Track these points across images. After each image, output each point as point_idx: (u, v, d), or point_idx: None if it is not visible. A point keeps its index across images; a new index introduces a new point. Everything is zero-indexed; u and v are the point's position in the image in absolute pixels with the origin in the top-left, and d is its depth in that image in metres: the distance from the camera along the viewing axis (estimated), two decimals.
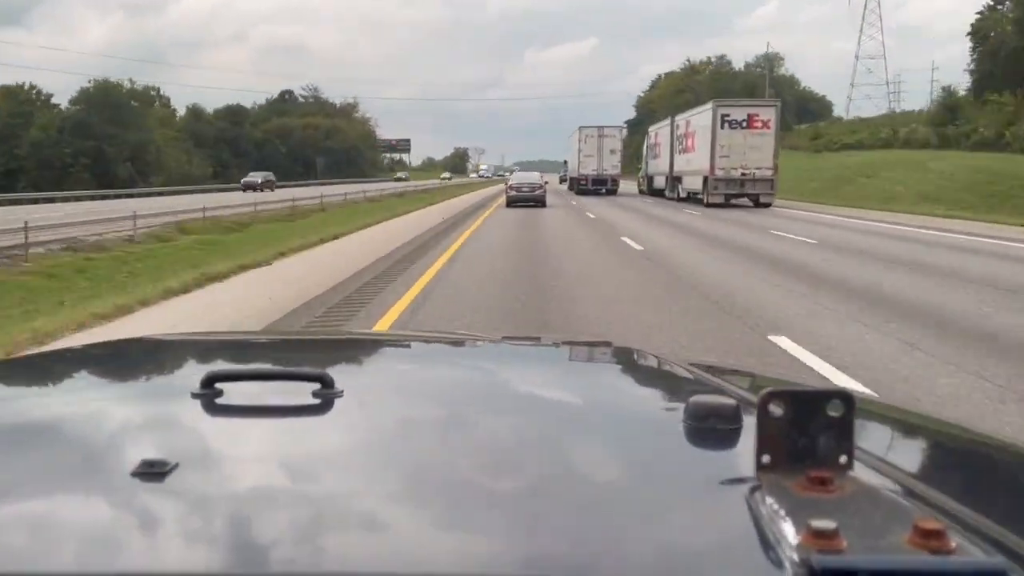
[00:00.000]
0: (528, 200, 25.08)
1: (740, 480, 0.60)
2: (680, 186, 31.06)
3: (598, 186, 37.79)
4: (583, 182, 37.88)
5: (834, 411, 0.57)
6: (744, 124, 25.96)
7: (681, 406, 0.75)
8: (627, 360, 1.25)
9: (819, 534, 0.48)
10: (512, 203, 24.70)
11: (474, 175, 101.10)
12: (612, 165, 38.44)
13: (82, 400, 0.96)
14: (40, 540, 0.57)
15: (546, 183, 27.13)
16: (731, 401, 0.75)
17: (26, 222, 10.83)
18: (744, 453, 0.63)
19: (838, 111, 76.20)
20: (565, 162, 55.91)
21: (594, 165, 38.89)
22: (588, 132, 39.44)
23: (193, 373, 0.85)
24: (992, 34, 37.11)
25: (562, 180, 65.39)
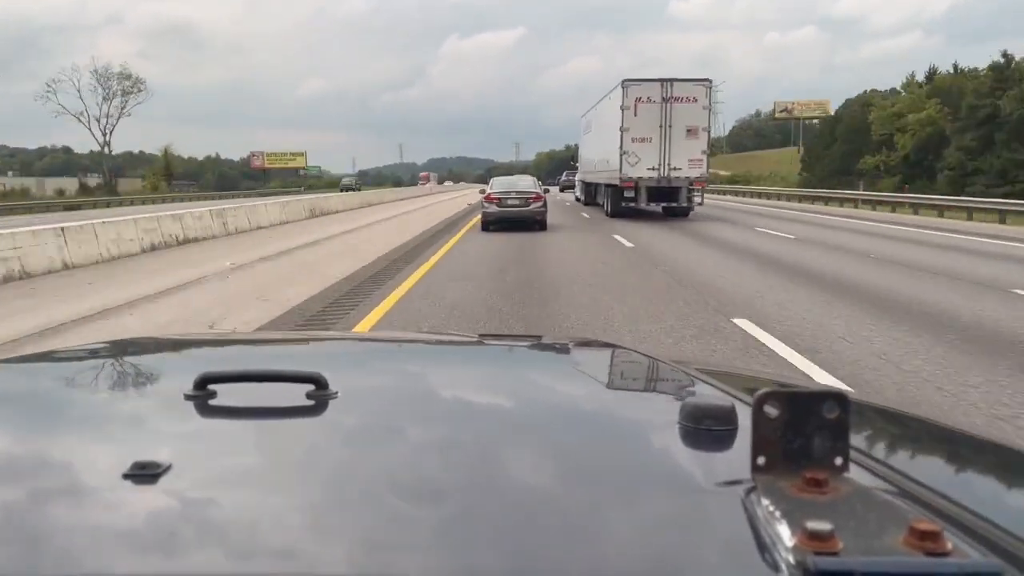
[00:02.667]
0: (517, 220, 15.20)
1: (735, 482, 0.61)
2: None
3: (662, 200, 19.88)
4: (630, 192, 19.62)
5: (829, 412, 0.58)
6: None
7: (676, 407, 0.76)
8: (622, 361, 1.26)
9: (815, 536, 0.50)
10: (492, 224, 15.28)
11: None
12: (693, 159, 19.97)
13: (74, 401, 0.96)
14: (31, 542, 0.58)
15: (547, 191, 17.30)
16: (726, 402, 0.75)
17: None
18: (739, 454, 0.64)
19: None
20: (572, 160, 39.74)
21: (654, 159, 19.98)
22: (643, 91, 20.23)
23: (186, 374, 0.85)
24: None
25: (563, 188, 51.45)
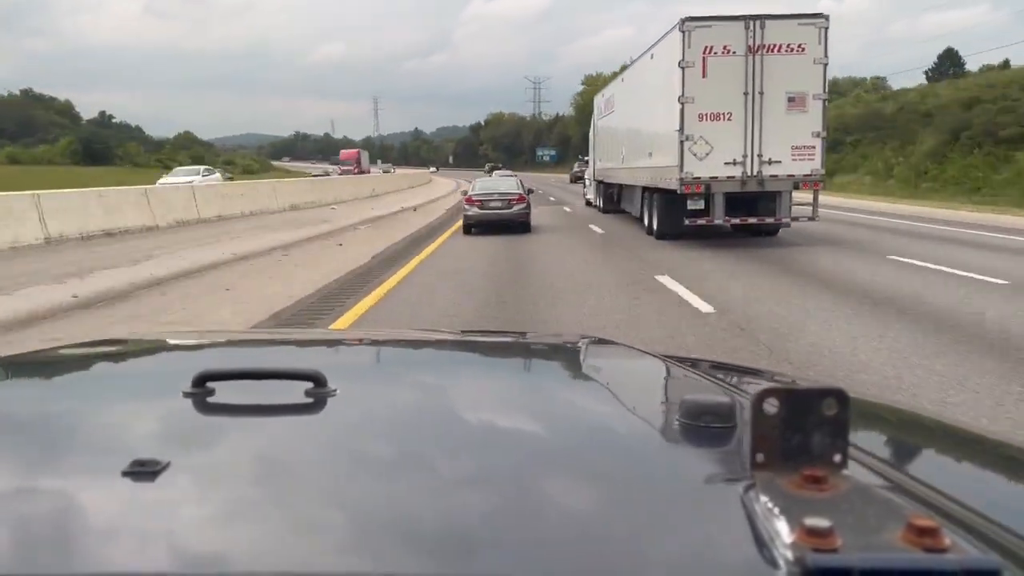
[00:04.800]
0: (499, 223, 16.13)
1: (734, 478, 0.66)
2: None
3: (747, 213, 13.78)
4: (697, 201, 13.52)
5: (828, 409, 0.62)
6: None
7: (675, 404, 0.82)
8: (621, 358, 1.34)
9: (813, 532, 0.53)
10: (473, 227, 16.44)
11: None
12: (800, 146, 13.21)
13: (74, 399, 1.05)
14: (31, 539, 0.63)
15: (530, 192, 18.21)
16: (725, 399, 0.81)
17: None
18: (738, 451, 0.68)
19: None
20: (580, 157, 36.74)
21: (737, 147, 13.22)
22: (717, 35, 13.16)
23: (185, 372, 0.92)
24: None
25: (573, 179, 48.80)
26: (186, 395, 0.90)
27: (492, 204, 16.52)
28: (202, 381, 0.90)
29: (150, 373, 1.27)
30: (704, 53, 12.81)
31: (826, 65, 12.90)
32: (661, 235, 14.46)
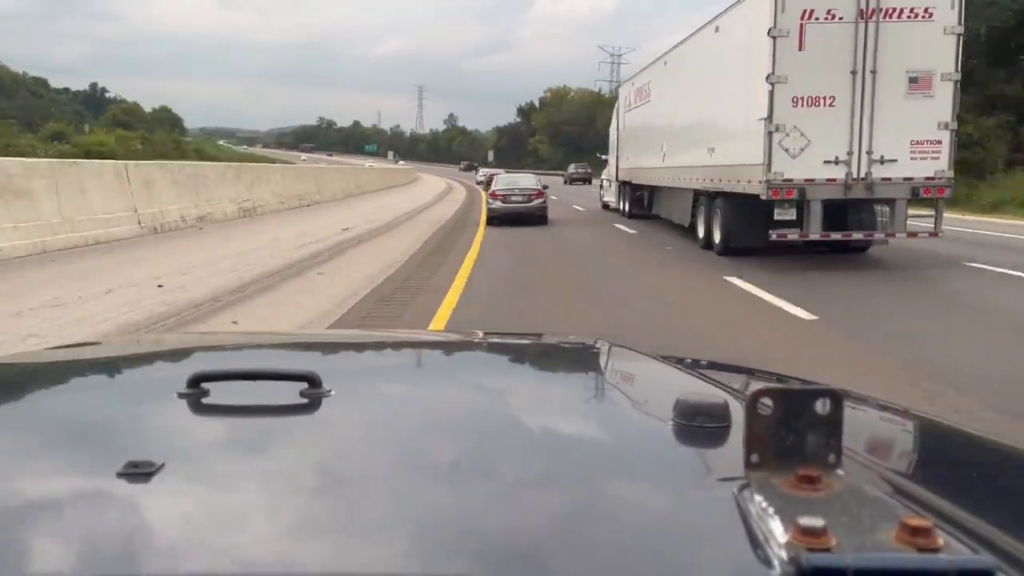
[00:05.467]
0: (520, 215, 19.09)
1: (729, 478, 0.69)
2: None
3: (852, 226, 10.83)
4: (787, 209, 10.56)
5: (822, 410, 0.66)
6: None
7: (670, 404, 0.86)
8: (617, 358, 1.37)
9: (807, 532, 0.56)
10: (496, 220, 19.26)
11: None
12: (922, 141, 10.04)
13: (67, 400, 1.10)
14: (24, 541, 0.66)
15: (546, 188, 20.81)
16: (720, 399, 0.86)
17: None
18: (733, 451, 0.72)
19: None
20: (599, 154, 31.20)
21: (842, 140, 10.19)
22: None
23: (179, 373, 0.97)
24: None
25: (570, 180, 53.01)
26: (181, 396, 0.96)
27: (514, 199, 19.44)
28: (197, 382, 0.96)
29: (145, 374, 1.31)
30: (802, 19, 10.65)
31: (960, 36, 10.33)
32: (728, 251, 11.71)
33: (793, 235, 11.03)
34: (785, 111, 10.51)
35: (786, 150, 10.53)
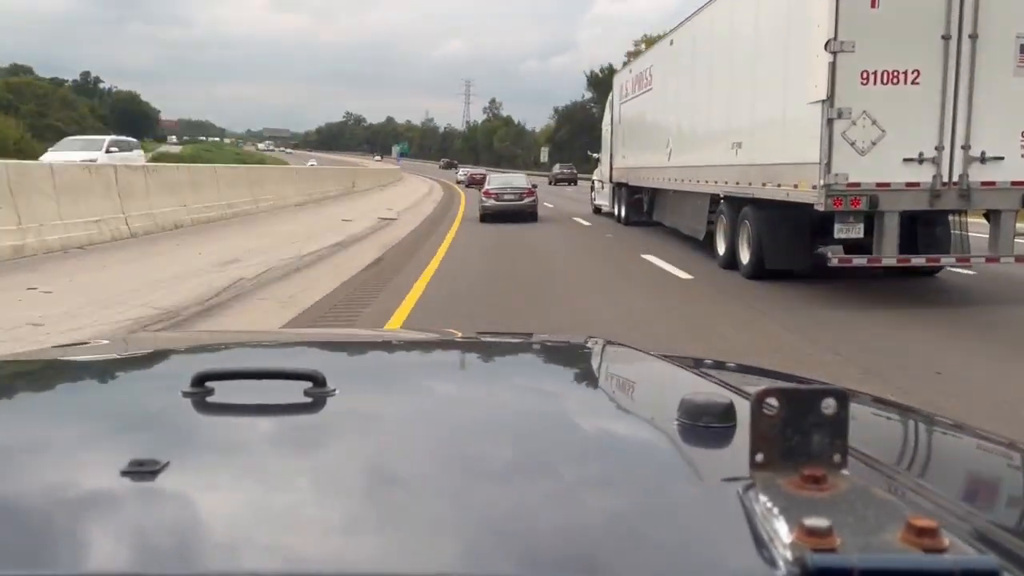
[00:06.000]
0: (512, 213, 20.62)
1: (734, 478, 0.69)
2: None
3: (929, 247, 8.14)
4: (850, 224, 7.59)
5: (827, 409, 0.65)
6: None
7: (675, 404, 0.86)
8: (621, 357, 1.37)
9: (813, 532, 0.56)
10: (489, 216, 20.85)
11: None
12: None
13: (72, 398, 1.11)
14: (29, 540, 0.67)
15: (535, 187, 22.65)
16: (725, 399, 0.86)
17: None
18: (738, 451, 0.72)
19: None
20: (590, 152, 27.55)
21: (930, 132, 7.30)
22: None
23: (184, 372, 0.98)
24: None
25: (556, 181, 50.60)
26: (185, 395, 0.96)
27: (506, 196, 20.77)
28: (201, 381, 0.97)
29: (149, 372, 1.32)
30: None
31: None
32: (760, 273, 8.94)
33: (860, 260, 8.07)
34: (851, 90, 7.58)
35: (852, 143, 7.60)
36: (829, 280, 9.06)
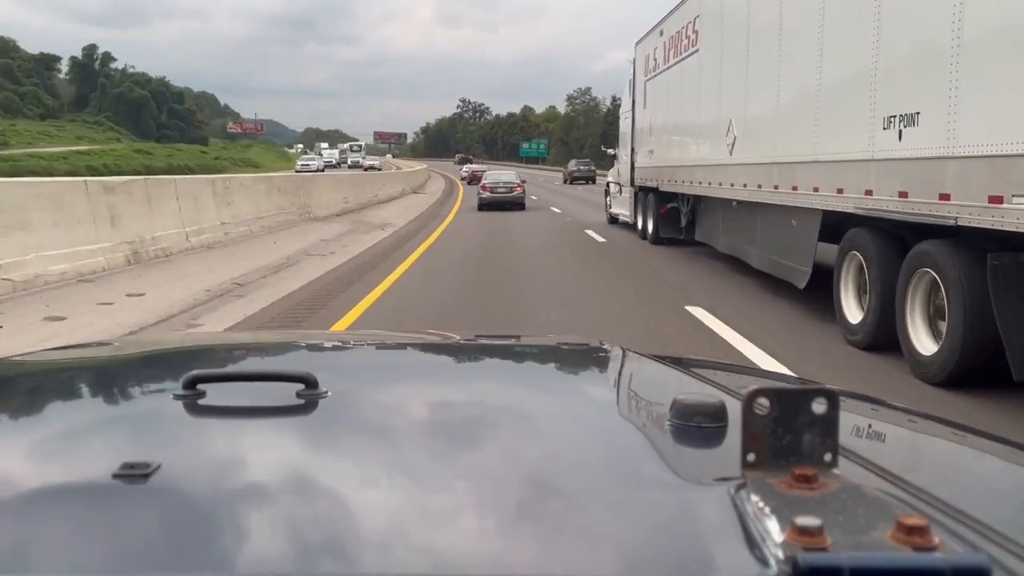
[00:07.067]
0: (503, 202, 26.19)
1: (725, 478, 0.70)
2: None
3: None
4: None
5: (818, 408, 0.65)
6: None
7: (666, 404, 0.86)
8: (613, 358, 1.35)
9: (804, 531, 0.56)
10: (485, 206, 26.42)
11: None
12: None
13: (64, 401, 1.09)
14: (19, 542, 0.66)
15: (524, 183, 29.13)
16: (716, 399, 0.86)
17: None
18: (729, 451, 0.73)
19: None
20: (604, 147, 22.70)
21: None
22: None
23: (176, 374, 0.98)
24: None
25: (572, 179, 47.10)
26: (177, 397, 0.96)
27: (499, 189, 26.41)
28: (193, 383, 0.95)
29: (141, 375, 1.29)
30: None
31: None
32: (962, 374, 4.96)
33: None
34: None
35: None
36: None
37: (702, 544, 0.63)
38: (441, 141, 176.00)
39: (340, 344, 1.69)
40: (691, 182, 11.60)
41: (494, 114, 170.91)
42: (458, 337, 1.77)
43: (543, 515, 0.67)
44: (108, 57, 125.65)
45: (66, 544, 0.62)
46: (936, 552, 0.52)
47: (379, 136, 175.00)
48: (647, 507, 0.69)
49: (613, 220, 19.32)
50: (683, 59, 11.96)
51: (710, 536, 0.63)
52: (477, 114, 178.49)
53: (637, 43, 15.87)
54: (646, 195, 14.97)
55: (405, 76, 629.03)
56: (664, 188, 13.32)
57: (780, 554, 0.53)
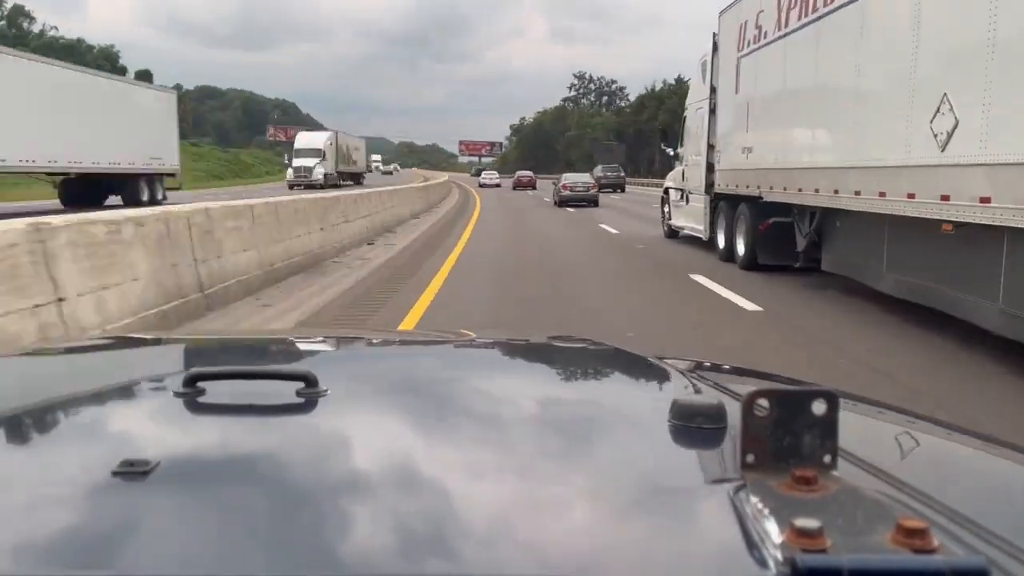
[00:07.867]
0: (580, 199, 32.37)
1: (725, 479, 0.70)
2: None
3: None
4: None
5: (818, 410, 0.66)
6: None
7: (666, 405, 0.87)
8: (612, 358, 1.38)
9: (803, 533, 0.56)
10: (565, 203, 32.45)
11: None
12: None
13: (63, 398, 1.09)
14: (18, 539, 0.67)
15: (598, 179, 39.69)
16: (716, 400, 0.86)
17: None
18: (729, 452, 0.73)
19: None
20: (663, 143, 20.61)
21: None
22: None
23: (176, 372, 1.00)
24: None
25: (601, 186, 39.99)
26: (177, 395, 0.96)
27: (577, 188, 32.76)
28: (193, 381, 0.96)
29: (141, 372, 1.28)
30: None
31: None
32: None
33: None
34: None
35: None
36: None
37: (701, 545, 0.64)
38: (541, 144, 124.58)
39: (340, 343, 1.68)
40: (818, 189, 8.26)
41: (629, 95, 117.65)
42: (459, 336, 1.77)
43: (542, 515, 0.68)
44: None
45: (65, 541, 0.63)
46: (936, 554, 0.52)
47: (464, 146, 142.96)
48: (646, 508, 0.70)
49: (672, 234, 15.98)
50: (824, 14, 8.26)
51: (709, 537, 0.64)
52: (602, 97, 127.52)
53: (722, 12, 12.40)
54: (733, 206, 11.59)
55: (516, 92, 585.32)
56: (769, 196, 9.87)
57: (779, 555, 0.54)
